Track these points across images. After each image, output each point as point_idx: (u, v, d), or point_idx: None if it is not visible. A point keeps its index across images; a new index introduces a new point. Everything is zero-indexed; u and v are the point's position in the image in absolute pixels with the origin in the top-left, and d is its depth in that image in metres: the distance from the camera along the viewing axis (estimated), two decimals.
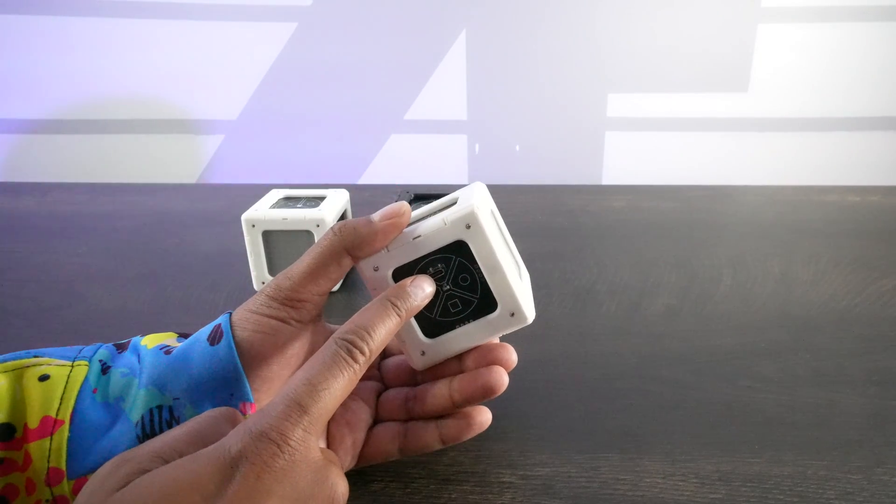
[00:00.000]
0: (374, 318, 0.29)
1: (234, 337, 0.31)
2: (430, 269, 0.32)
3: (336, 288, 0.56)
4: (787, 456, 0.36)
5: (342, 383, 0.26)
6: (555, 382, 0.43)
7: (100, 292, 0.57)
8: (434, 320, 0.33)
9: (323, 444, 0.32)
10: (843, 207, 0.77)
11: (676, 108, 0.92)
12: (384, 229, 0.31)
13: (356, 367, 0.27)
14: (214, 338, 0.31)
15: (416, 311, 0.31)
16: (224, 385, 0.30)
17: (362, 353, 0.27)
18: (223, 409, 0.27)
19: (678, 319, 0.51)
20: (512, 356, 0.34)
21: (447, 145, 0.95)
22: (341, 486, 0.26)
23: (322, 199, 0.58)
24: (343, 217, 0.59)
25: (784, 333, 0.49)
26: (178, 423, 0.30)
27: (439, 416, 0.34)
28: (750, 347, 0.47)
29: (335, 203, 0.57)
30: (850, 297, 0.55)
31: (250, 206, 0.55)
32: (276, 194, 0.59)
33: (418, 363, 0.34)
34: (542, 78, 0.91)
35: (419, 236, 0.32)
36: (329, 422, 0.33)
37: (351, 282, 0.59)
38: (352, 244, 0.31)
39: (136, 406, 0.30)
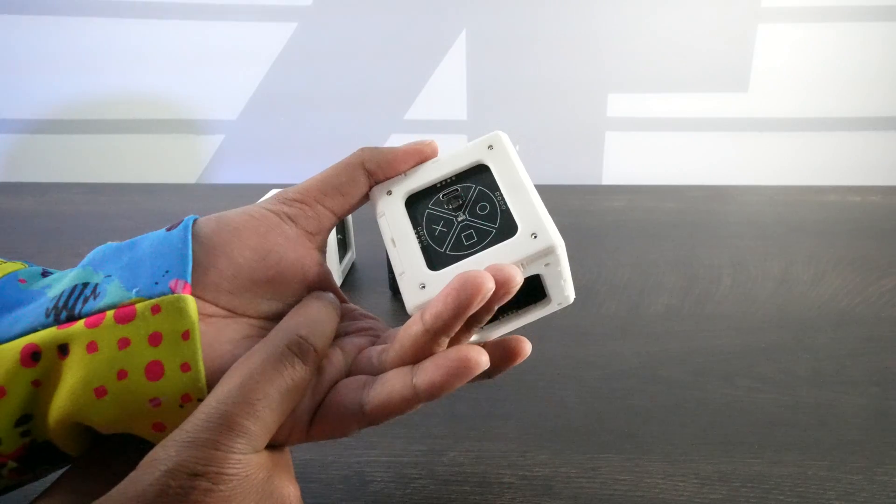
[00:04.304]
0: (320, 315, 0.27)
1: (195, 226, 0.28)
2: (446, 196, 0.30)
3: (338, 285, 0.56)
4: (788, 456, 0.36)
5: (289, 390, 0.24)
6: (555, 382, 0.43)
7: None
8: (444, 254, 0.29)
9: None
10: (843, 207, 0.77)
11: (676, 108, 0.92)
12: (407, 151, 0.30)
13: (305, 370, 0.24)
14: (173, 226, 0.28)
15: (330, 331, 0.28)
16: (162, 261, 0.26)
17: (316, 350, 0.25)
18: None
19: (678, 319, 0.51)
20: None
21: (447, 145, 0.95)
22: (292, 489, 0.25)
23: None
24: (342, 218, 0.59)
25: (784, 333, 0.49)
26: (94, 299, 0.25)
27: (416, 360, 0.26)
28: (750, 347, 0.47)
29: None
30: (850, 297, 0.55)
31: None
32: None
33: (414, 299, 0.28)
34: (542, 78, 0.91)
35: (439, 159, 0.30)
36: None
37: (352, 283, 0.59)
38: (371, 159, 0.30)
39: (62, 283, 0.27)
